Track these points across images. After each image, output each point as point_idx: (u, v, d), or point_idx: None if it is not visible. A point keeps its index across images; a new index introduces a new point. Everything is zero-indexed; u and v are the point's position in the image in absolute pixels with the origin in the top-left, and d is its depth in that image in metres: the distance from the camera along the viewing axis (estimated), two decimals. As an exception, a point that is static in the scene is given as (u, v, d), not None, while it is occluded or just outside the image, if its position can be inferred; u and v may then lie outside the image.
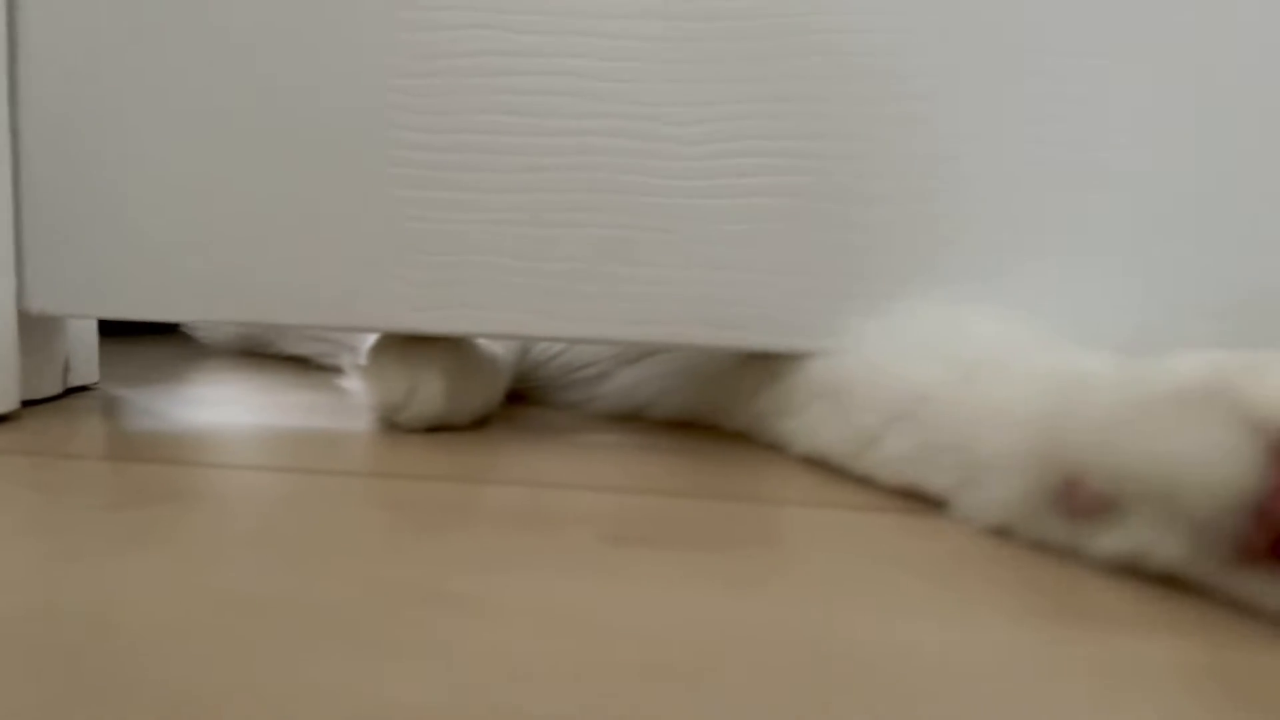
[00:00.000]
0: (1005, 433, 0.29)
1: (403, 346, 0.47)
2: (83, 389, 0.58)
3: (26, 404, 0.51)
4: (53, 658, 0.22)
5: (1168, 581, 0.24)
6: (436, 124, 0.44)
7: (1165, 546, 0.23)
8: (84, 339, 0.59)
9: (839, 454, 0.39)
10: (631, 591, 0.26)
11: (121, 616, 0.24)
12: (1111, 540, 0.25)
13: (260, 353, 0.78)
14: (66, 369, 0.56)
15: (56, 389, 0.55)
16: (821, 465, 0.41)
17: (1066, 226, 0.41)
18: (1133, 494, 0.23)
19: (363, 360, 0.48)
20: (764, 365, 0.45)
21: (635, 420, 0.52)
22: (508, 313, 0.45)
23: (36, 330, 0.51)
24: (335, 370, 0.63)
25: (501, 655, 0.22)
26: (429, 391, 0.45)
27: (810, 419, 0.41)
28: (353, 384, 0.49)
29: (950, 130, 0.41)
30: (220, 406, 0.58)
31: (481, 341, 0.50)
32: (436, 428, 0.47)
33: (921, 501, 0.34)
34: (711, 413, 0.50)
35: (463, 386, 0.46)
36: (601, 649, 0.22)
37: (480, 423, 0.50)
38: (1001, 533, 0.31)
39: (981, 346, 0.34)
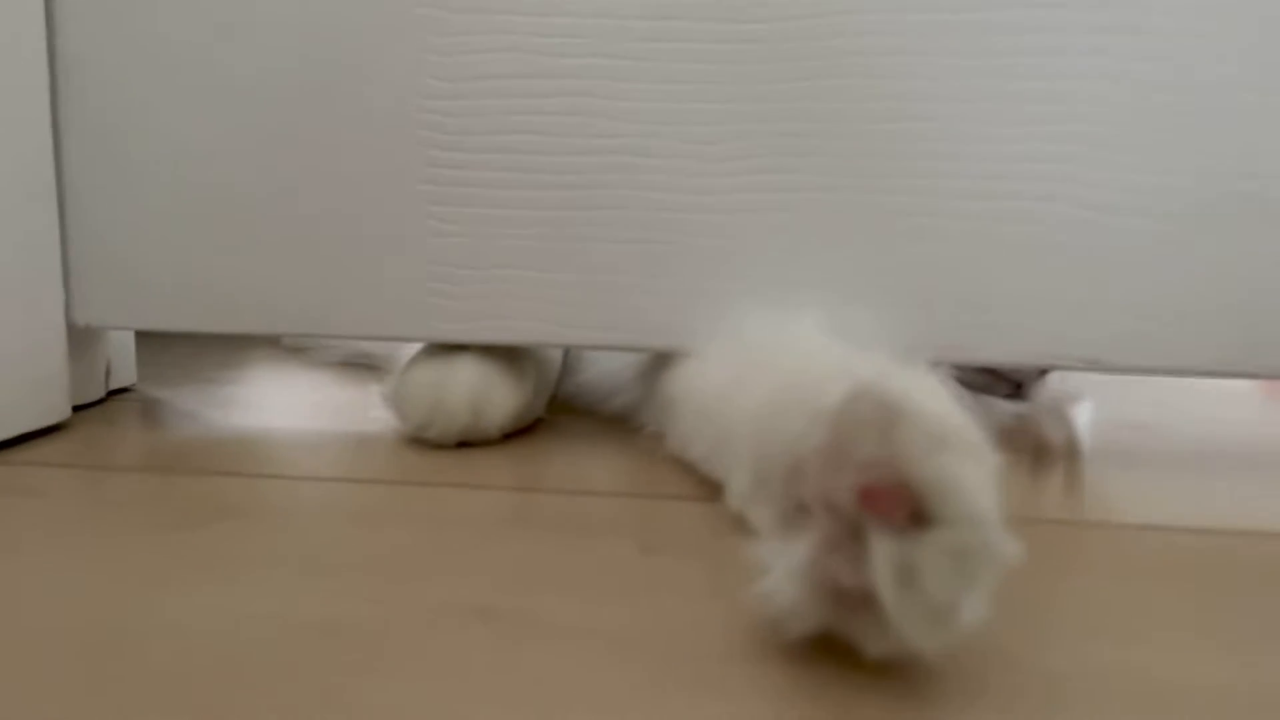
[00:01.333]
0: (743, 432, 0.45)
1: (427, 365, 0.64)
2: (122, 390, 0.78)
3: (74, 409, 0.70)
4: (121, 679, 0.33)
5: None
6: (466, 143, 0.61)
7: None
8: (123, 342, 0.79)
9: (677, 451, 0.58)
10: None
11: (187, 641, 0.36)
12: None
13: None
14: (108, 373, 0.76)
15: (100, 393, 0.75)
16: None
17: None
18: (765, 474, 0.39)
19: (389, 385, 0.65)
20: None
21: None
22: (533, 322, 0.62)
23: (81, 337, 0.70)
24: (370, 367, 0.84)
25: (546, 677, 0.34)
26: (453, 406, 0.62)
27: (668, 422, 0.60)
28: (383, 409, 0.65)
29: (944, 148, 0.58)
30: (261, 410, 0.77)
31: (517, 353, 0.66)
32: (465, 442, 0.63)
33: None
34: (641, 413, 0.69)
35: (489, 401, 0.63)
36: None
37: (525, 430, 0.67)
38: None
39: (769, 353, 0.50)
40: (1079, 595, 0.42)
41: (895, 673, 0.32)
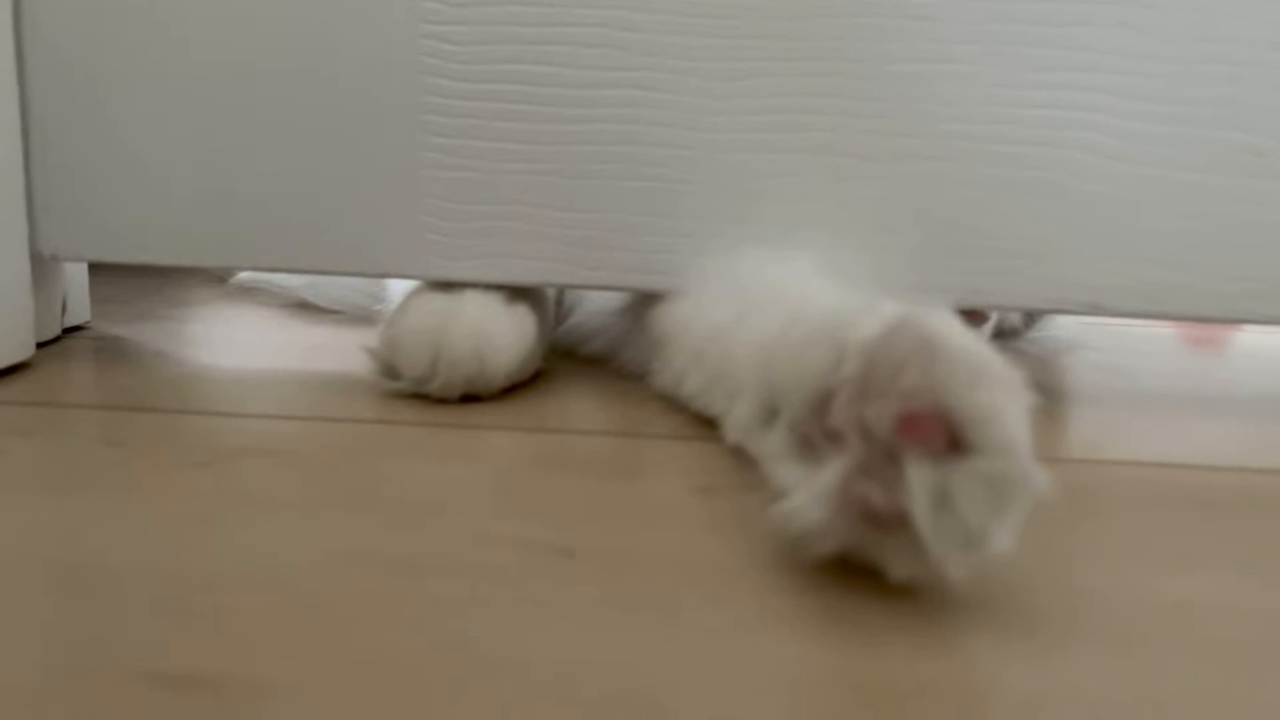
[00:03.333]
0: (746, 364, 0.51)
1: (423, 310, 0.66)
2: (77, 328, 0.83)
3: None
4: (218, 624, 0.35)
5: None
6: (470, 72, 0.66)
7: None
8: (77, 277, 0.84)
9: (667, 389, 0.66)
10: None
11: (273, 580, 0.39)
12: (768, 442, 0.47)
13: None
14: (64, 309, 0.81)
15: (56, 330, 0.80)
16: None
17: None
18: (780, 402, 0.45)
19: (378, 337, 0.67)
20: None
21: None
22: (538, 261, 0.68)
23: (40, 271, 0.74)
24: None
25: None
26: (457, 354, 0.64)
27: (656, 360, 0.67)
28: (371, 362, 0.67)
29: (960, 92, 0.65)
30: (233, 349, 0.84)
31: (519, 295, 0.70)
32: (468, 396, 0.66)
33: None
34: (623, 352, 0.76)
35: (494, 347, 0.65)
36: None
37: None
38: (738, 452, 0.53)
39: (767, 291, 0.57)
40: (1079, 528, 0.48)
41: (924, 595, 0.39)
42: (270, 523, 0.45)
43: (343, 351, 0.71)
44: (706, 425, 0.59)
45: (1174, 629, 0.38)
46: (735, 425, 0.54)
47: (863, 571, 0.39)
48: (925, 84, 0.65)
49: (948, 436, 0.35)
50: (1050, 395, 0.76)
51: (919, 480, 0.35)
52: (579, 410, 0.66)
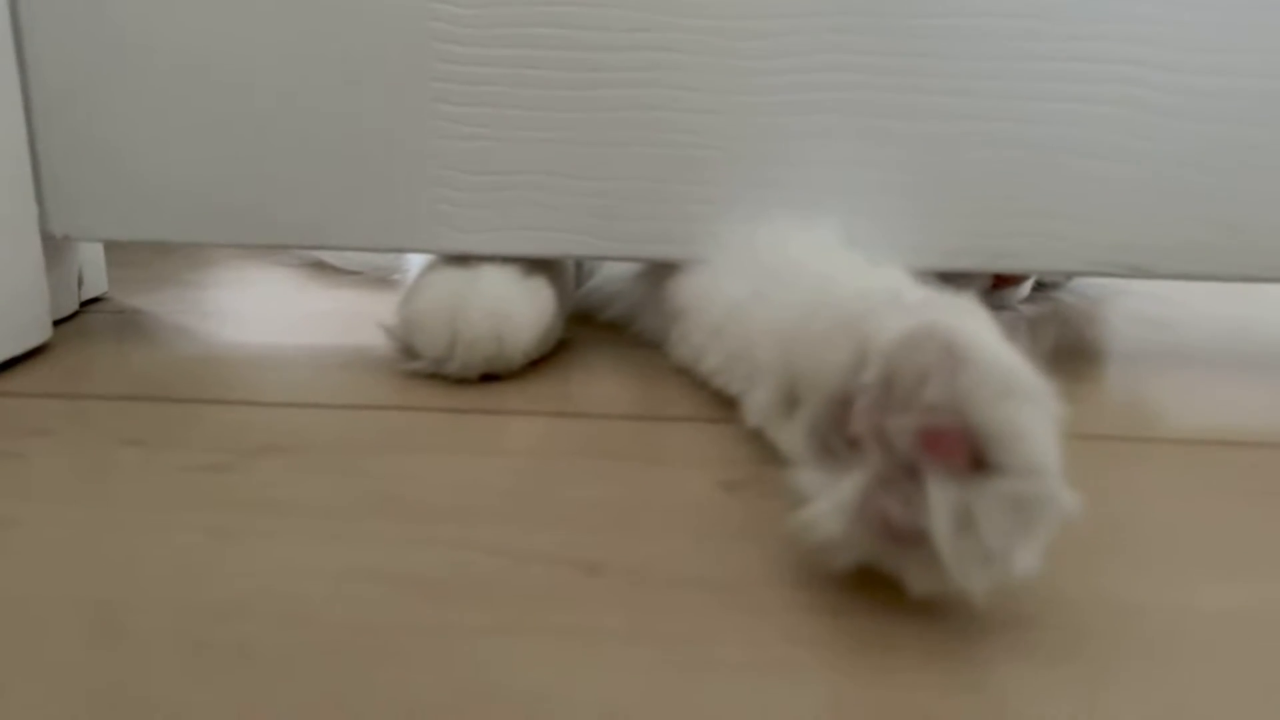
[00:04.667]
0: (766, 347, 0.50)
1: (439, 288, 0.66)
2: (94, 300, 0.84)
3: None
4: (256, 662, 0.35)
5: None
6: (484, 37, 0.65)
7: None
8: (93, 249, 0.84)
9: (685, 363, 0.66)
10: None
11: (284, 608, 0.38)
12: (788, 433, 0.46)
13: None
14: (80, 283, 0.81)
15: (73, 306, 0.80)
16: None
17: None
18: (801, 395, 0.43)
19: (394, 316, 0.67)
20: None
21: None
22: (555, 233, 0.68)
23: (54, 248, 0.74)
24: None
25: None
26: (475, 335, 0.64)
27: (674, 331, 0.67)
28: (388, 341, 0.68)
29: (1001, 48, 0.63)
30: (253, 323, 0.83)
31: (537, 267, 0.70)
32: (488, 375, 0.66)
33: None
34: (641, 319, 0.76)
35: (512, 325, 0.65)
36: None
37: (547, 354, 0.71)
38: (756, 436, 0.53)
39: (787, 265, 0.57)
40: (1120, 525, 0.47)
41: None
42: (291, 536, 0.45)
43: (361, 322, 0.71)
44: (727, 405, 0.59)
45: (1223, 649, 0.37)
46: (755, 409, 0.53)
47: (893, 584, 0.38)
48: (962, 39, 0.63)
49: (971, 454, 0.34)
50: (1089, 354, 0.76)
51: (940, 499, 0.35)
52: (600, 390, 0.65)
